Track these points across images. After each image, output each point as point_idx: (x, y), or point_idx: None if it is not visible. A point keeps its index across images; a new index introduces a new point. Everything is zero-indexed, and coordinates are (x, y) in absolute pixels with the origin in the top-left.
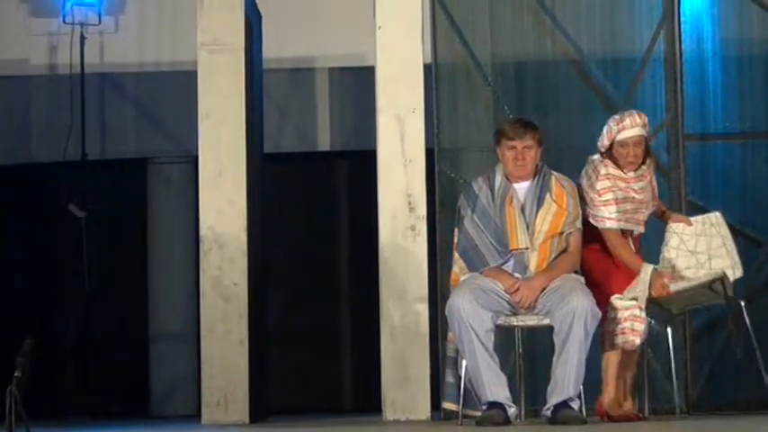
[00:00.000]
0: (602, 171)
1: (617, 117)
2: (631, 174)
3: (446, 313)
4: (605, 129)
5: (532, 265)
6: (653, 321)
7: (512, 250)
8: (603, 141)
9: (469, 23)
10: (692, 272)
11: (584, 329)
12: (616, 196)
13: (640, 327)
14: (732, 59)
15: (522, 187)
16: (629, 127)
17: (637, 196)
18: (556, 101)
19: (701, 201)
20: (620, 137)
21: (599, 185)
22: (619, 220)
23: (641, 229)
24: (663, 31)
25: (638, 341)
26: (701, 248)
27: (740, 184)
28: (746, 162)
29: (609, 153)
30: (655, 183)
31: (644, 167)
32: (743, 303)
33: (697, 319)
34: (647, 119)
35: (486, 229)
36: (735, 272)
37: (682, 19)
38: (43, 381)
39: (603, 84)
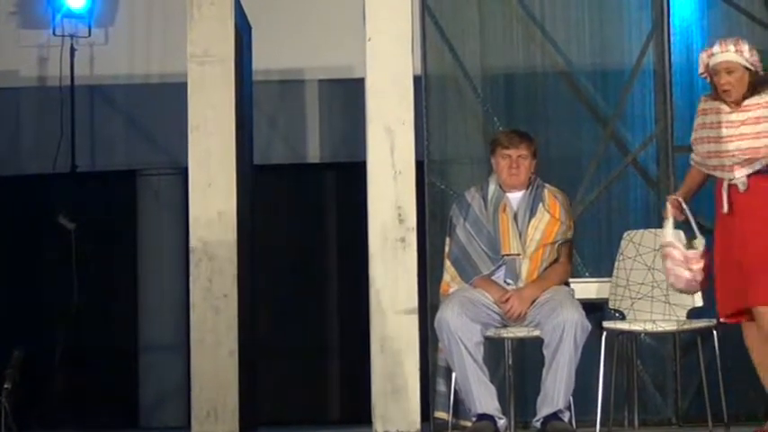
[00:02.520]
0: (698, 107)
1: (708, 45)
2: (727, 108)
3: (435, 326)
4: (699, 60)
5: (524, 273)
6: (644, 335)
7: (503, 256)
8: (700, 71)
9: (459, 35)
10: (648, 289)
11: (574, 342)
12: (700, 135)
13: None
14: None
15: (515, 197)
16: (717, 53)
17: (725, 131)
18: (545, 112)
19: (691, 212)
20: (711, 63)
21: (694, 124)
22: (695, 156)
23: (727, 175)
24: (652, 43)
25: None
26: (660, 265)
27: None
28: None
29: (713, 85)
30: None
31: (753, 100)
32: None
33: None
34: (744, 46)
35: (478, 236)
36: (694, 299)
37: (671, 30)
38: (33, 392)
39: (593, 95)
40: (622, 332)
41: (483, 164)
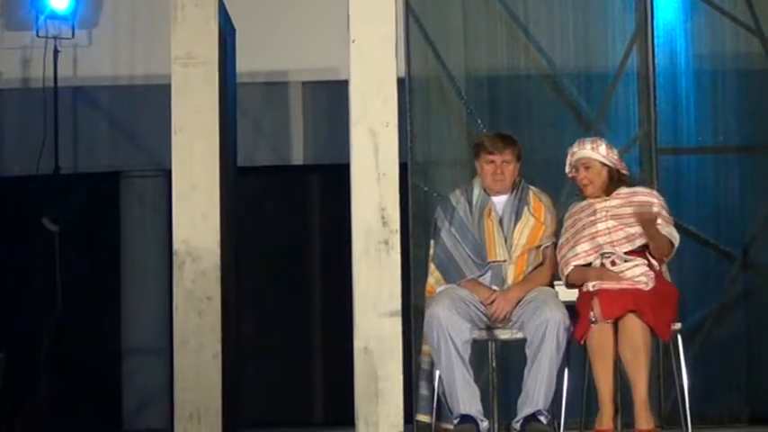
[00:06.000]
0: (568, 213)
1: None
2: (588, 202)
3: (425, 322)
4: (567, 160)
5: (509, 278)
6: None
7: (489, 262)
8: (567, 170)
9: (443, 38)
10: None
11: (557, 342)
12: (568, 235)
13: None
14: (705, 74)
15: (500, 200)
16: (576, 151)
17: (589, 229)
18: (529, 115)
19: (673, 215)
20: (572, 161)
21: (564, 226)
22: (568, 262)
23: (616, 251)
24: (636, 46)
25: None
26: None
27: (713, 197)
28: (719, 176)
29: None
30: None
31: (612, 201)
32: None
33: None
34: (602, 145)
35: (463, 241)
36: None
37: (655, 33)
38: (16, 395)
39: (577, 98)
40: None
41: (467, 166)
